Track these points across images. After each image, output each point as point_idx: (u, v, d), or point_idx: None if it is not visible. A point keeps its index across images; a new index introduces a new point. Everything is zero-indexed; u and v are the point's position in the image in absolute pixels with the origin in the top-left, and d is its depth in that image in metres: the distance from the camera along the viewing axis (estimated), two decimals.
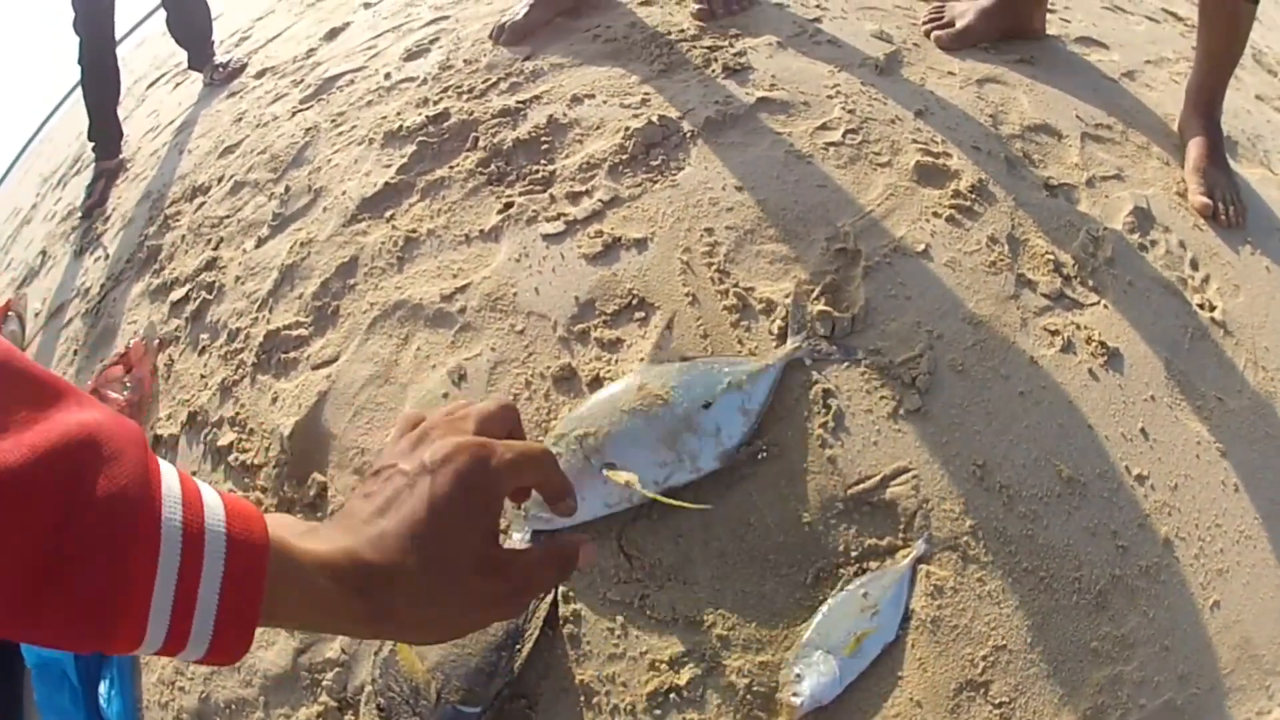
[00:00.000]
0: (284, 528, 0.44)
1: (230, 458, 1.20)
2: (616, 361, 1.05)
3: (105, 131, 2.56)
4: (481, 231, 1.21)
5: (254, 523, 0.41)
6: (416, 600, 0.45)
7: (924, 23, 1.59)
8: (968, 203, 1.26)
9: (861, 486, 1.02)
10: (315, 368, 1.20)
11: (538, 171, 1.26)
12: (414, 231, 1.25)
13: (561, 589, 0.97)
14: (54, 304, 1.92)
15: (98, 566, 0.34)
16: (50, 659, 1.10)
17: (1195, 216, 1.52)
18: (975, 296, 1.18)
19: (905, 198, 1.24)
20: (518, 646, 0.93)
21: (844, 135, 1.29)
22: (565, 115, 1.33)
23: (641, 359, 1.04)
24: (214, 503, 0.40)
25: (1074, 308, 1.25)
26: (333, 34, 2.12)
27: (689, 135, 1.27)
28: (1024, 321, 1.19)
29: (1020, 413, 1.12)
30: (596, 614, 0.96)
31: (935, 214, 1.23)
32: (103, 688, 1.09)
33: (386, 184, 1.33)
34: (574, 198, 1.21)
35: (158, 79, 3.31)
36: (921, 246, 1.19)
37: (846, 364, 1.07)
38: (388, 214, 1.31)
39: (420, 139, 1.39)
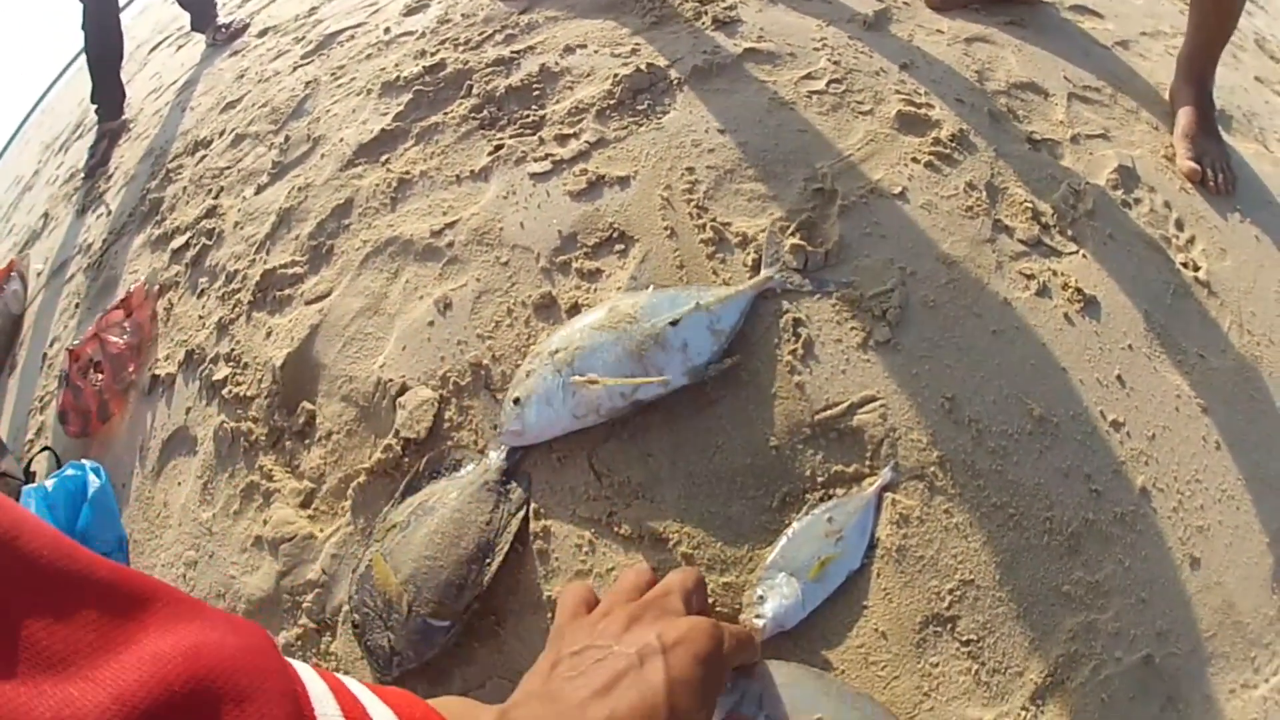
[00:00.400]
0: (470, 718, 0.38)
1: (225, 391, 1.24)
2: (595, 290, 1.08)
3: (108, 93, 2.59)
4: (472, 172, 1.24)
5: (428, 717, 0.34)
6: None
7: None
8: (947, 150, 1.28)
9: (829, 413, 1.04)
10: (308, 303, 1.24)
11: (528, 116, 1.29)
12: (407, 174, 1.29)
13: (532, 505, 1.00)
14: (56, 262, 1.98)
15: None
16: None
17: (1183, 180, 1.52)
18: (950, 238, 1.20)
19: (885, 144, 1.26)
20: (488, 560, 0.95)
21: (828, 85, 1.31)
22: (557, 64, 1.36)
23: (619, 288, 1.07)
24: (379, 714, 0.33)
25: (1051, 255, 1.26)
26: None
27: (676, 82, 1.29)
28: (999, 265, 1.20)
29: (993, 350, 1.13)
30: (565, 530, 0.99)
31: (914, 160, 1.25)
32: None
33: (383, 130, 1.37)
34: (562, 140, 1.24)
35: (160, 43, 3.37)
36: (898, 189, 1.21)
37: (818, 295, 1.09)
38: (383, 158, 1.35)
39: (417, 88, 1.43)
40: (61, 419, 1.44)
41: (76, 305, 1.70)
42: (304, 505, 1.07)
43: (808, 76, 1.32)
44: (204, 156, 1.69)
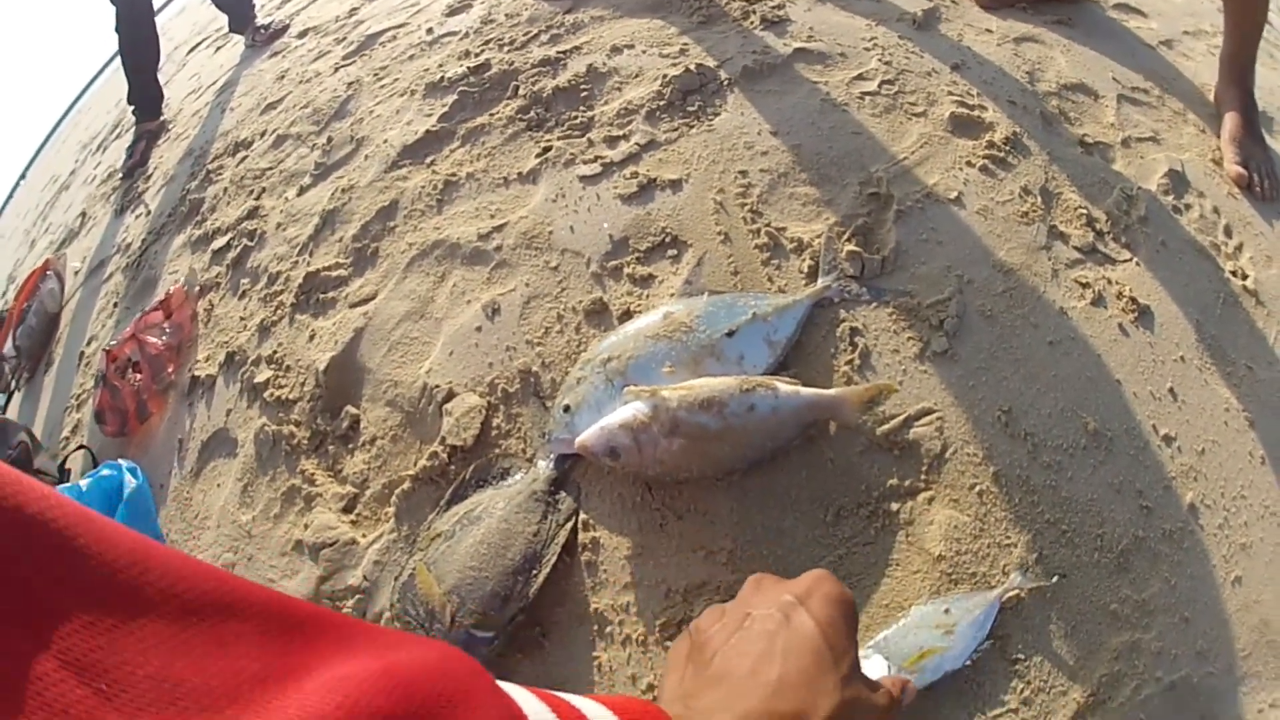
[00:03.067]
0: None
1: (266, 394, 1.16)
2: (647, 296, 0.98)
3: (145, 94, 2.49)
4: (520, 174, 1.15)
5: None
6: None
7: None
8: (1001, 154, 1.16)
9: (886, 426, 0.94)
10: (353, 306, 1.15)
11: (576, 118, 1.19)
12: (454, 175, 1.20)
13: (581, 515, 0.92)
14: (94, 261, 1.90)
15: None
16: None
17: (1230, 185, 1.40)
18: (1006, 245, 1.09)
19: (939, 146, 1.14)
20: (534, 572, 0.87)
21: (880, 85, 1.19)
22: (605, 64, 1.25)
23: (672, 294, 0.97)
24: None
25: (1106, 263, 1.15)
26: None
27: (726, 83, 1.18)
28: (1055, 272, 1.10)
29: (1049, 362, 1.03)
30: (614, 541, 0.90)
31: (969, 163, 1.13)
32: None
33: (428, 132, 1.28)
34: (611, 141, 1.13)
35: (199, 44, 3.26)
36: (954, 194, 1.10)
37: (875, 304, 0.99)
38: (428, 160, 1.25)
39: (461, 89, 1.33)
40: (98, 418, 1.37)
41: (114, 305, 1.63)
42: (346, 510, 0.99)
43: (859, 77, 1.20)
44: (245, 157, 1.60)
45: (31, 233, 3.25)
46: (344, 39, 1.84)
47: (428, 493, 0.96)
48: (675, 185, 1.06)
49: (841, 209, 1.04)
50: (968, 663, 0.80)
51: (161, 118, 2.50)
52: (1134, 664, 0.86)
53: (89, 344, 1.61)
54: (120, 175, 2.34)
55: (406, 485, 0.96)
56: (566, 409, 0.90)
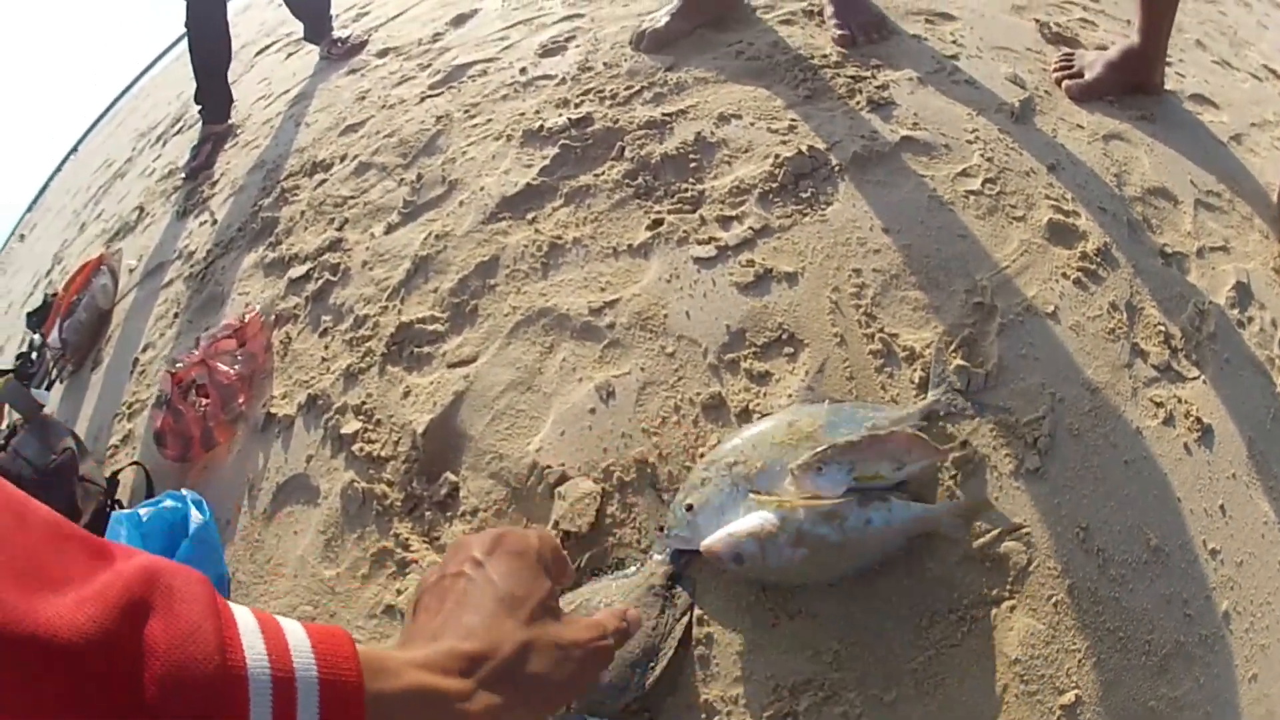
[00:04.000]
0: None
1: (354, 447, 1.20)
2: (765, 394, 1.06)
3: (214, 96, 2.47)
4: (630, 246, 1.20)
5: (343, 652, 0.39)
6: (525, 664, 0.46)
7: (1054, 69, 1.56)
8: (1093, 266, 1.27)
9: (981, 540, 1.05)
10: (451, 366, 1.20)
11: (686, 190, 1.25)
12: (559, 238, 1.24)
13: (696, 610, 1.00)
14: (151, 263, 1.89)
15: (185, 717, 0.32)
16: None
17: None
18: (1094, 362, 1.19)
19: (1038, 255, 1.24)
20: (651, 664, 0.96)
21: (983, 184, 1.28)
22: (713, 134, 1.31)
23: (790, 394, 1.05)
24: (299, 640, 0.38)
25: (1177, 381, 1.26)
26: (460, 20, 2.05)
27: (836, 169, 1.25)
28: (1134, 391, 1.21)
29: (1123, 481, 1.15)
30: (728, 638, 1.00)
31: (1064, 275, 1.23)
32: None
33: (528, 185, 1.31)
34: (724, 222, 1.20)
35: (267, 46, 3.20)
36: (1051, 308, 1.20)
37: (977, 419, 1.09)
38: (529, 216, 1.29)
39: (563, 142, 1.36)
40: (158, 440, 1.40)
41: (175, 314, 1.63)
42: None
43: (964, 173, 1.28)
44: (324, 181, 1.60)
45: (81, 215, 3.20)
46: (429, 65, 1.84)
47: None
48: (791, 279, 1.14)
49: (949, 317, 1.13)
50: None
51: (229, 121, 2.48)
52: None
53: (144, 351, 1.61)
54: (182, 175, 2.32)
55: None
56: (689, 508, 0.98)
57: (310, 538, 1.19)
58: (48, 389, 1.73)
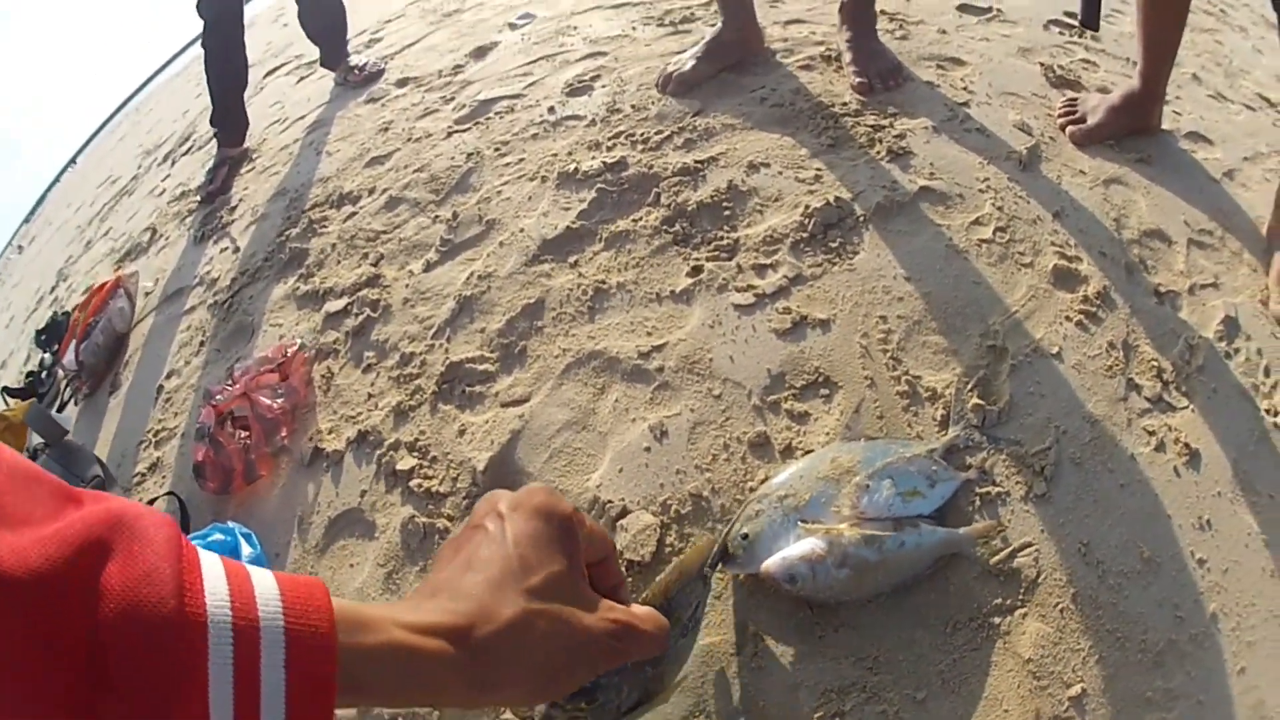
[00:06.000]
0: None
1: (412, 483, 1.52)
2: (804, 433, 1.45)
3: (231, 118, 2.80)
4: (673, 292, 1.58)
5: (315, 600, 0.42)
6: (517, 641, 0.47)
7: (1059, 115, 2.01)
8: (1093, 308, 1.70)
9: (997, 557, 1.46)
10: (505, 405, 1.55)
11: (722, 239, 1.63)
12: (603, 282, 1.61)
13: (750, 627, 1.39)
14: (170, 287, 2.16)
15: (145, 668, 0.35)
16: None
17: (1273, 324, 2.01)
18: (1094, 397, 1.63)
19: (1044, 299, 1.67)
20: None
21: (994, 232, 1.70)
22: (744, 183, 1.70)
23: (827, 433, 1.45)
24: (267, 588, 0.41)
25: (1168, 411, 1.71)
26: (481, 52, 2.40)
27: (861, 219, 1.66)
28: (1129, 421, 1.65)
29: (1119, 502, 1.57)
30: (779, 649, 1.38)
31: (1068, 317, 1.67)
32: None
33: (568, 228, 1.68)
34: (759, 270, 1.59)
35: (277, 68, 3.51)
36: (1055, 349, 1.62)
37: (992, 451, 1.51)
38: (571, 259, 1.66)
39: (599, 186, 1.73)
40: (198, 472, 1.69)
41: (201, 342, 1.91)
42: None
43: (976, 222, 1.70)
44: (353, 214, 1.91)
45: (86, 231, 3.45)
46: (452, 99, 2.17)
47: None
48: (824, 325, 1.54)
49: (966, 359, 1.55)
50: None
51: (245, 145, 2.80)
52: None
53: (169, 377, 1.90)
54: (197, 198, 2.63)
55: None
56: (745, 537, 1.36)
57: (369, 570, 1.52)
58: (59, 411, 1.99)
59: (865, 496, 1.34)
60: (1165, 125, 2.18)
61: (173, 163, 3.38)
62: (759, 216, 1.62)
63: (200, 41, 2.76)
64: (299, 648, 0.39)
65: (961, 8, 2.42)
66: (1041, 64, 2.09)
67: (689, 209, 1.64)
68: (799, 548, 1.28)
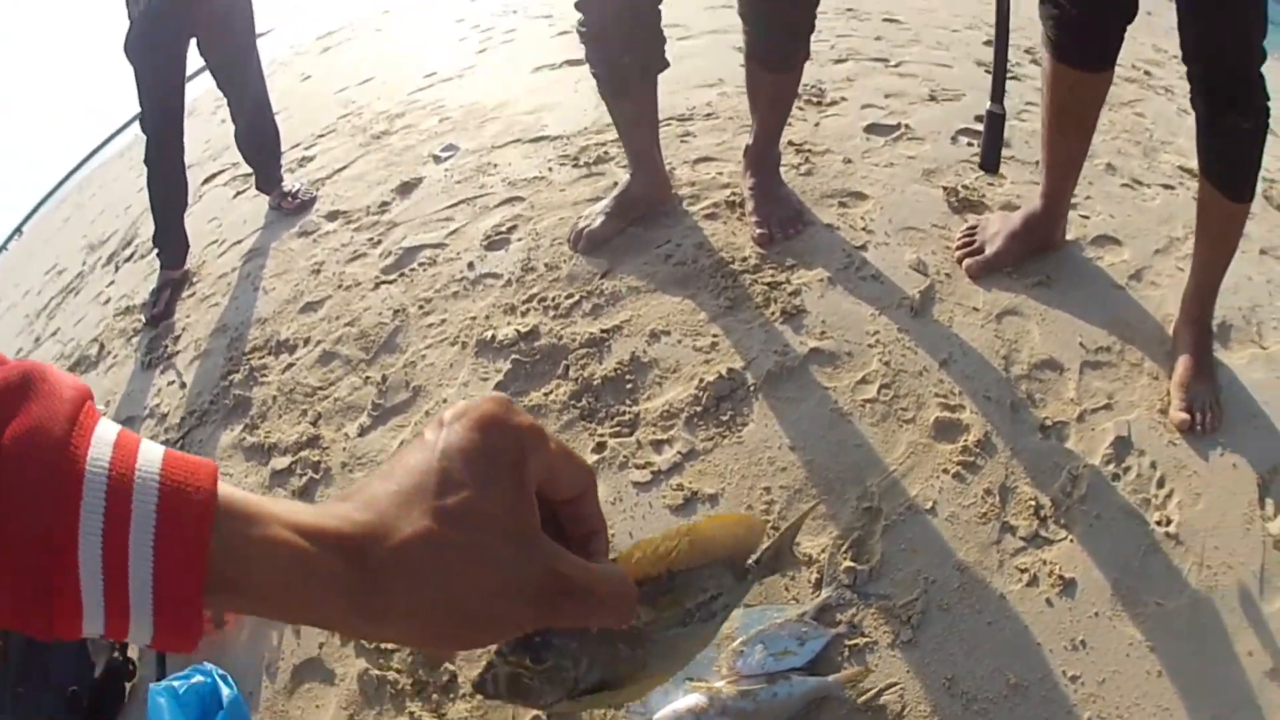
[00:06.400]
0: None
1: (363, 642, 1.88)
2: None
3: (171, 240, 3.21)
4: None
5: (199, 471, 0.44)
6: (413, 568, 0.44)
7: (957, 248, 2.27)
8: (972, 457, 2.01)
9: (864, 697, 1.79)
10: None
11: (624, 413, 1.96)
12: None
13: None
14: (120, 413, 2.54)
15: (19, 515, 0.38)
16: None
17: (1170, 433, 2.28)
18: (965, 545, 1.94)
19: (923, 455, 1.97)
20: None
21: (879, 390, 2.01)
22: (645, 353, 2.02)
23: None
24: (152, 451, 0.43)
25: (1044, 545, 2.02)
26: (405, 189, 2.75)
27: (752, 389, 1.97)
28: (1001, 563, 1.96)
29: (985, 637, 1.91)
30: None
31: (945, 470, 1.97)
32: None
33: None
34: (657, 446, 1.91)
35: (215, 175, 3.87)
36: (930, 504, 1.93)
37: (862, 607, 1.82)
38: None
39: (514, 356, 2.07)
40: None
41: None
42: None
43: (863, 381, 2.02)
44: (290, 365, 2.28)
45: (35, 325, 4.00)
46: (379, 243, 2.54)
47: None
48: (713, 499, 1.86)
49: (842, 523, 1.86)
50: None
51: (185, 267, 3.20)
52: None
53: None
54: (141, 318, 3.04)
55: None
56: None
57: (333, 712, 1.88)
58: None
59: (740, 660, 1.67)
60: (1071, 234, 2.45)
61: (116, 268, 3.91)
62: (658, 389, 1.94)
63: (144, 158, 3.17)
64: (170, 504, 0.41)
65: (870, 128, 2.66)
66: (945, 187, 2.37)
67: (594, 383, 1.97)
68: (686, 701, 1.64)
